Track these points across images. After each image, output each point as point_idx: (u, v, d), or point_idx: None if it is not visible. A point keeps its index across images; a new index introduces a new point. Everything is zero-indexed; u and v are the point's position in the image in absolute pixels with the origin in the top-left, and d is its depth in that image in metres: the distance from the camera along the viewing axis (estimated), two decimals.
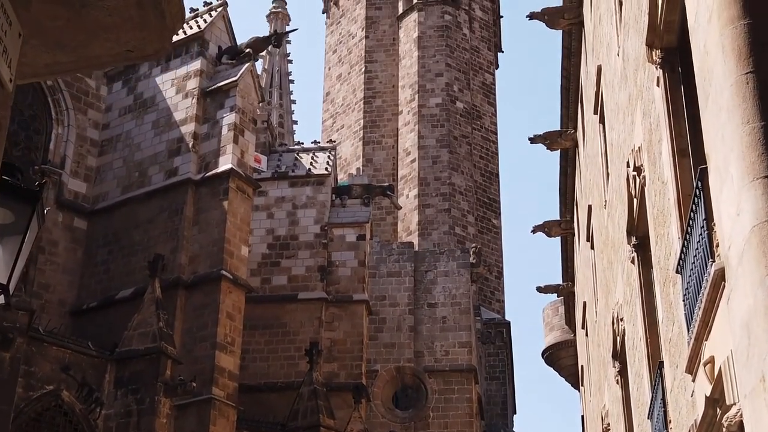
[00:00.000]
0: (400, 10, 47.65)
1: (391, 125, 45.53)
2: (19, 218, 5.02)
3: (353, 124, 46.44)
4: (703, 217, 7.22)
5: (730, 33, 6.50)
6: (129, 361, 20.60)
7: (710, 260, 6.99)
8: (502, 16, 51.46)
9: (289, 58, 64.06)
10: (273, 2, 61.57)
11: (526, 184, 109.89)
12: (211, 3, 26.26)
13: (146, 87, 25.61)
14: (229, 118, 23.88)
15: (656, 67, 9.44)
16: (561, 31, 20.59)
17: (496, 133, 46.99)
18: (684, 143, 8.93)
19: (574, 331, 29.31)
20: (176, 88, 24.93)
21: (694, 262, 7.63)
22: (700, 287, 7.41)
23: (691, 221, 7.65)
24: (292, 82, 63.27)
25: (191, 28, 25.73)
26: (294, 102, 62.72)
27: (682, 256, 8.10)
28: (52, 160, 24.82)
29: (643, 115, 10.61)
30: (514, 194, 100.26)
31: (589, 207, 19.41)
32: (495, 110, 47.52)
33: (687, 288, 8.00)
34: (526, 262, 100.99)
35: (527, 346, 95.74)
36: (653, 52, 9.50)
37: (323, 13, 52.07)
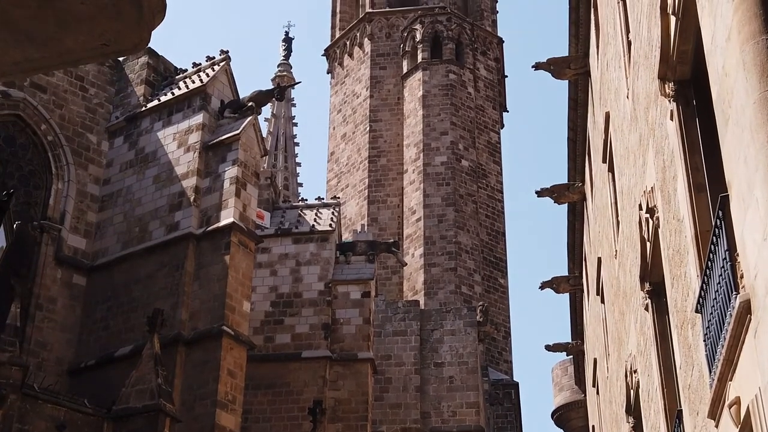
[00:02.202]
0: (405, 70, 47.66)
1: (396, 184, 45.28)
2: None
3: (358, 183, 46.21)
4: (725, 248, 6.87)
5: (752, 49, 6.20)
6: (126, 419, 20.04)
7: (734, 293, 6.64)
8: (506, 76, 51.53)
9: (294, 121, 64.33)
10: (278, 66, 61.92)
11: (532, 242, 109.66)
12: (214, 57, 26.14)
13: (148, 142, 25.39)
14: (231, 172, 23.61)
15: (669, 101, 9.15)
16: (567, 81, 20.43)
17: (501, 192, 46.69)
18: (701, 177, 8.61)
19: (584, 391, 28.79)
20: (178, 142, 24.70)
21: (715, 298, 7.27)
22: (723, 323, 7.04)
23: (711, 255, 7.30)
24: (297, 144, 63.47)
25: (193, 82, 25.61)
26: (299, 165, 62.86)
27: (702, 294, 7.74)
28: (51, 215, 24.52)
29: (656, 154, 10.30)
30: (520, 252, 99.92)
31: (599, 259, 19.11)
32: (500, 169, 47.27)
33: (708, 327, 7.63)
34: (534, 320, 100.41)
35: (536, 407, 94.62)
36: (666, 85, 9.22)
37: (328, 73, 52.16)
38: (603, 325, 19.26)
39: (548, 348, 27.30)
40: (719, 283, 7.08)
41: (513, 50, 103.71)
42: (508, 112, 51.40)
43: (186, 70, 26.53)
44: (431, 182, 43.81)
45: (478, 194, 44.93)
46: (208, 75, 25.54)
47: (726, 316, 6.89)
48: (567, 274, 25.30)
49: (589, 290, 22.60)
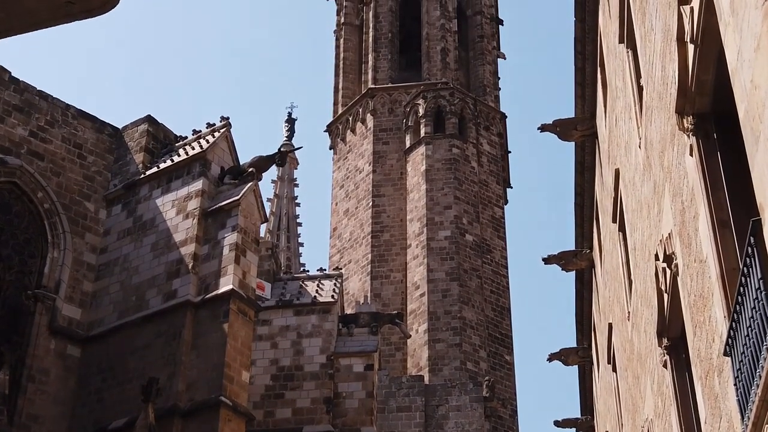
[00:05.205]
0: (408, 144, 47.53)
1: (400, 259, 44.84)
2: None
3: (361, 258, 45.77)
4: (759, 277, 6.38)
5: None
6: None
7: None
8: (509, 152, 51.44)
9: (296, 201, 64.18)
10: (281, 146, 62.04)
11: (539, 317, 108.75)
12: (214, 124, 25.90)
13: (146, 209, 24.97)
14: (230, 238, 23.13)
15: (689, 135, 8.75)
16: (573, 150, 20.20)
17: (506, 267, 46.19)
18: (725, 214, 8.15)
19: None
20: (177, 209, 24.28)
21: (748, 335, 6.75)
22: (758, 360, 6.53)
23: (742, 288, 6.80)
24: (299, 224, 63.24)
25: (193, 149, 25.30)
26: (301, 245, 62.55)
27: (732, 333, 7.23)
28: (46, 284, 23.95)
29: (673, 197, 9.88)
30: (527, 327, 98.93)
31: (609, 326, 18.68)
32: (505, 244, 46.84)
33: (740, 369, 7.10)
34: (542, 396, 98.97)
35: None
36: (685, 119, 8.83)
37: (330, 149, 52.11)
38: (615, 395, 18.77)
39: (557, 424, 26.59)
40: (752, 317, 6.59)
41: (515, 126, 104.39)
42: (511, 188, 51.19)
43: (186, 137, 26.28)
44: (435, 257, 43.35)
45: (482, 269, 44.43)
46: (208, 141, 25.25)
47: (761, 352, 6.42)
48: (576, 345, 24.89)
49: (599, 361, 22.17)
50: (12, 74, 25.36)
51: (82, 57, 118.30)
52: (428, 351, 40.96)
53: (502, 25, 54.90)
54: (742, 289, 6.79)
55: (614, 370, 18.59)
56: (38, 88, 25.76)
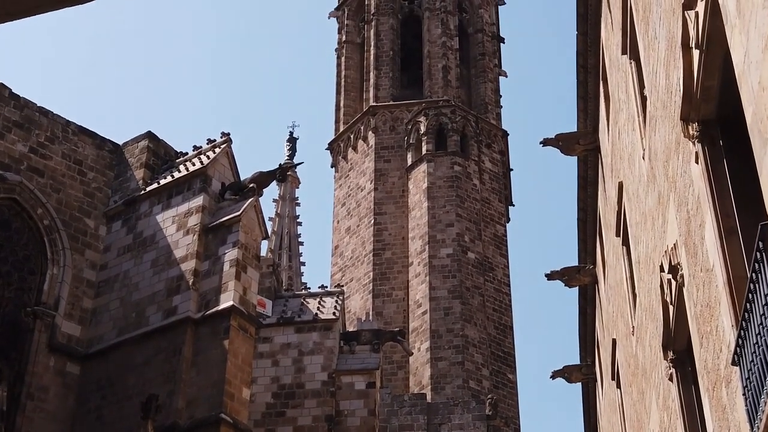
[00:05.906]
0: (409, 162, 47.45)
1: (402, 277, 44.66)
2: None
3: (362, 276, 45.60)
4: None
5: None
6: None
7: None
8: (512, 169, 51.32)
9: (298, 220, 64.12)
10: (282, 163, 61.81)
11: (541, 335, 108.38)
12: (215, 140, 25.80)
13: (146, 225, 24.83)
14: (231, 254, 22.97)
15: (694, 142, 8.63)
16: (576, 168, 20.13)
17: (509, 285, 46.00)
18: (732, 221, 8.04)
19: None
20: (177, 225, 24.15)
21: (757, 342, 6.64)
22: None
23: (750, 294, 6.68)
24: (301, 243, 63.17)
25: (194, 164, 25.17)
26: (303, 264, 62.41)
27: (740, 342, 7.10)
28: (45, 301, 23.76)
29: (678, 207, 9.77)
30: (529, 344, 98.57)
31: (613, 341, 18.55)
32: (507, 262, 46.66)
33: (748, 377, 6.98)
34: (545, 414, 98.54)
35: None
36: (690, 126, 8.71)
37: (332, 167, 52.00)
38: (619, 412, 18.64)
39: None
40: (761, 323, 6.48)
41: (517, 144, 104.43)
42: (514, 206, 51.01)
43: (186, 153, 26.18)
44: (437, 275, 43.18)
45: (484, 287, 44.25)
46: (208, 157, 25.11)
47: None
48: (579, 362, 24.76)
49: (602, 377, 22.04)
50: (12, 90, 25.29)
51: (82, 67, 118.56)
52: (430, 369, 40.75)
53: (504, 42, 54.95)
54: (750, 296, 6.68)
55: (618, 386, 18.48)
56: (38, 104, 25.69)
